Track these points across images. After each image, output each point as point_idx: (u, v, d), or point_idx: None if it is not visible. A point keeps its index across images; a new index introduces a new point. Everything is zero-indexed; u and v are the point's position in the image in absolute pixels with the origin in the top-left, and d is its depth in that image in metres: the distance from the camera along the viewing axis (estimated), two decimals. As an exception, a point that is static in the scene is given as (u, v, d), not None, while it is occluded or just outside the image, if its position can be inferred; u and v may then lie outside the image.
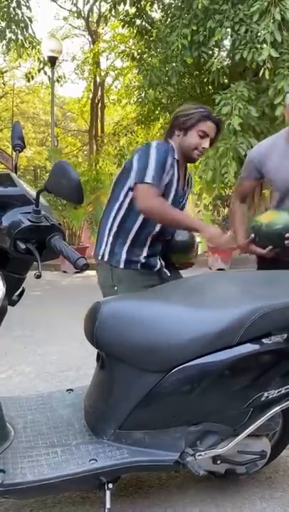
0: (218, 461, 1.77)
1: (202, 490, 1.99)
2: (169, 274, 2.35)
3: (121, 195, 2.22)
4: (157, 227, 2.23)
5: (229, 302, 1.72)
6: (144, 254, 2.26)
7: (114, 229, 2.25)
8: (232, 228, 2.70)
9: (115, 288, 2.26)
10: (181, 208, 2.39)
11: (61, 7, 15.04)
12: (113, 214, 2.25)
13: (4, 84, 16.18)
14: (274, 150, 2.41)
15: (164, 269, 2.35)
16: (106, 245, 2.27)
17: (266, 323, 1.66)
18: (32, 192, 1.48)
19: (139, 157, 2.15)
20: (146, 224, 2.21)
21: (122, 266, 2.23)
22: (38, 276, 1.30)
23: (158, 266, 2.31)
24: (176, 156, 2.23)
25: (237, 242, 2.51)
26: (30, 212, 1.38)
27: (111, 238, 2.26)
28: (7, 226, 1.38)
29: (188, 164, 2.42)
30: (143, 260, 2.26)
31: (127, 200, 2.21)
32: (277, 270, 2.07)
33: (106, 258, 2.25)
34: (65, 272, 7.78)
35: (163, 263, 2.35)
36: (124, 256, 2.23)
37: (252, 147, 5.79)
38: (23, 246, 1.35)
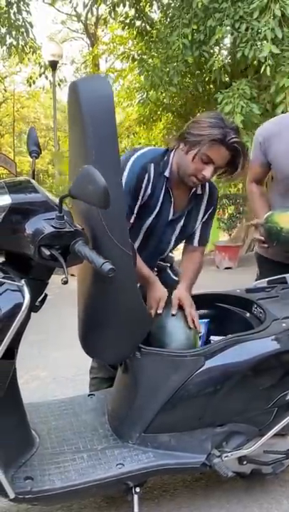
0: (244, 462, 1.76)
1: (228, 491, 1.98)
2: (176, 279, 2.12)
3: None
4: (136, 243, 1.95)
5: None
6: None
7: None
8: (252, 209, 2.47)
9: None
10: (181, 231, 2.00)
11: (59, 11, 15.10)
12: None
13: (5, 90, 16.20)
14: (280, 133, 2.17)
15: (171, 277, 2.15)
16: None
17: None
18: (53, 198, 1.48)
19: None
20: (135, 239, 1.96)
21: None
22: (65, 282, 1.29)
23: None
24: (166, 173, 1.86)
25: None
26: (53, 219, 1.37)
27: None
28: (31, 233, 1.37)
29: None
30: None
31: None
32: None
33: None
34: (73, 275, 7.70)
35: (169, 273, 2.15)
36: None
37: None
38: (47, 252, 1.35)
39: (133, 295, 1.61)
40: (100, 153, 1.42)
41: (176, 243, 2.06)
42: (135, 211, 1.85)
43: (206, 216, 2.03)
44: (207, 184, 1.97)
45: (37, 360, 3.51)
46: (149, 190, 1.85)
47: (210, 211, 2.03)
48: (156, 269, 2.07)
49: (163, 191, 1.88)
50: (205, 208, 2.01)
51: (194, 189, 1.93)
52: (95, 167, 1.25)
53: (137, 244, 1.93)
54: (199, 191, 1.96)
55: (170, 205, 1.91)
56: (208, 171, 1.76)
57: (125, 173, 1.80)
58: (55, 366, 3.45)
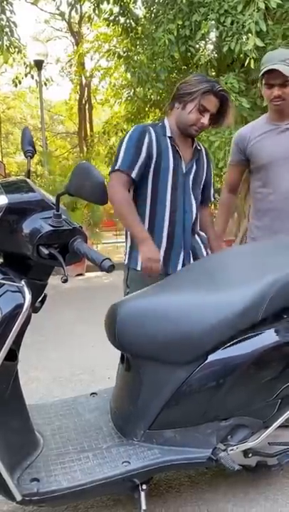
0: (250, 455, 1.76)
1: (233, 485, 1.98)
2: None
3: None
4: (165, 232, 2.18)
5: (244, 279, 1.71)
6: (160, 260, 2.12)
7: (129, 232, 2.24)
8: (216, 221, 2.73)
9: (128, 290, 2.25)
10: (194, 182, 2.24)
11: (42, 10, 15.01)
12: None
13: (-9, 92, 16.10)
14: (255, 130, 2.50)
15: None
16: (126, 248, 2.29)
17: (286, 292, 1.66)
18: (50, 196, 1.46)
19: (117, 148, 2.19)
20: (154, 228, 2.18)
21: (138, 268, 2.19)
22: (65, 281, 1.28)
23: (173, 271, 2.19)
24: (168, 134, 2.16)
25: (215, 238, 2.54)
26: (50, 217, 1.36)
27: (129, 241, 2.25)
28: (28, 233, 1.36)
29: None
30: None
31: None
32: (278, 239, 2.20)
33: (126, 261, 2.27)
34: (80, 274, 7.73)
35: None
36: (139, 259, 2.15)
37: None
38: (46, 251, 1.34)
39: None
40: None
41: (196, 201, 2.27)
42: (137, 165, 2.09)
43: (211, 172, 2.38)
44: (201, 144, 2.36)
45: (36, 361, 3.49)
46: (155, 149, 2.12)
47: (211, 166, 2.40)
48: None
49: (170, 149, 2.16)
50: (206, 162, 2.36)
51: (195, 144, 2.27)
52: None
53: (168, 203, 2.16)
54: (198, 146, 2.31)
55: (180, 159, 2.18)
56: (205, 119, 2.11)
57: (126, 139, 2.12)
58: (54, 367, 3.44)
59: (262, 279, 1.66)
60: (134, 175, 2.10)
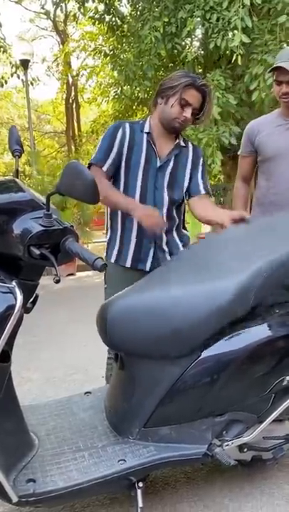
0: (245, 449, 1.77)
1: (229, 480, 1.99)
2: None
3: None
4: (134, 226, 2.17)
5: (234, 265, 1.68)
6: (130, 253, 2.21)
7: (109, 228, 2.29)
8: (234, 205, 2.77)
9: (105, 286, 2.28)
10: (171, 179, 2.19)
11: (26, 9, 14.93)
12: (106, 208, 2.33)
13: (-24, 92, 15.98)
14: (265, 123, 2.54)
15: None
16: (106, 244, 2.30)
17: (276, 276, 1.66)
18: (39, 196, 1.45)
19: None
20: (125, 220, 2.20)
21: (112, 262, 2.24)
22: (58, 281, 1.28)
23: (148, 267, 2.21)
24: (145, 130, 2.18)
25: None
26: (41, 217, 1.35)
27: (109, 234, 2.30)
28: (19, 233, 1.35)
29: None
30: (129, 261, 2.21)
31: None
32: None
33: (104, 257, 2.29)
34: (71, 274, 7.71)
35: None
36: (113, 255, 2.25)
37: (235, 134, 5.77)
38: (37, 252, 1.33)
39: None
40: None
41: (171, 198, 2.20)
42: (110, 159, 2.16)
43: (200, 166, 2.28)
44: (189, 142, 2.31)
45: (28, 362, 3.48)
46: (126, 144, 2.16)
47: (200, 162, 2.29)
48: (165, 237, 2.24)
49: (145, 144, 2.18)
50: (192, 159, 2.27)
51: (178, 140, 2.24)
52: None
53: (137, 197, 2.16)
54: (183, 143, 2.26)
55: (154, 153, 2.18)
56: (187, 112, 2.10)
57: (103, 135, 2.20)
58: (47, 367, 3.43)
59: (251, 263, 1.64)
60: (105, 168, 2.16)
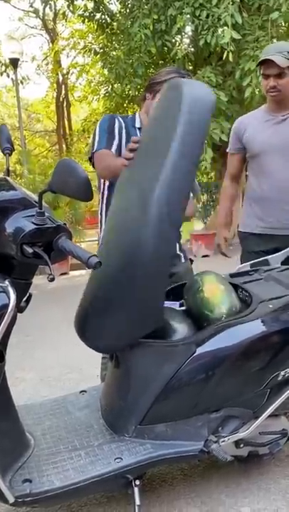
0: (241, 445, 1.77)
1: (225, 476, 1.99)
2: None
3: (100, 186, 2.27)
4: None
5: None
6: None
7: (102, 222, 2.29)
8: (219, 211, 2.82)
9: None
10: None
11: (15, 7, 14.84)
12: (99, 206, 2.31)
13: None
14: (253, 120, 2.54)
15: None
16: (99, 243, 2.28)
17: None
18: (31, 194, 1.44)
19: (91, 139, 2.21)
20: None
21: None
22: (52, 280, 1.27)
23: None
24: (137, 125, 2.19)
25: (217, 226, 2.72)
26: (33, 215, 1.34)
27: (101, 235, 2.27)
28: (11, 232, 1.34)
29: None
30: None
31: (105, 192, 2.23)
32: None
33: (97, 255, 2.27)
34: (64, 273, 7.67)
35: None
36: None
37: (226, 131, 5.77)
38: (30, 250, 1.32)
39: (159, 283, 1.60)
40: (184, 143, 1.46)
41: None
42: (114, 144, 2.11)
43: None
44: None
45: (22, 362, 3.46)
46: (124, 136, 2.15)
47: None
48: None
49: None
50: None
51: None
52: (174, 157, 1.41)
53: None
54: None
55: None
56: None
57: (97, 128, 2.15)
58: (41, 367, 3.42)
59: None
60: (113, 151, 2.10)
